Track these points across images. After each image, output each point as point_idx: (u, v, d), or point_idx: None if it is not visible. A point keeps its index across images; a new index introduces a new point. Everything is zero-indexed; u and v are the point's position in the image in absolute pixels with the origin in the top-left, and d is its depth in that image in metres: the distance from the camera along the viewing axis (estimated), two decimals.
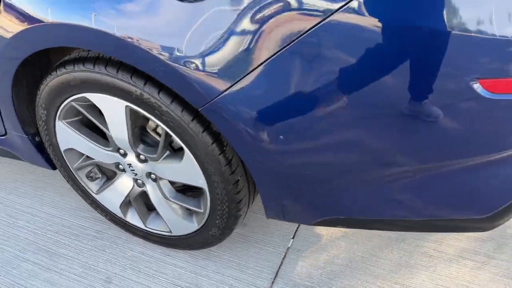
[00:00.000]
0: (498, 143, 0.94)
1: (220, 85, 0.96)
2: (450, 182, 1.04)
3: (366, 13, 0.81)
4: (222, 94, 0.97)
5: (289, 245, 1.54)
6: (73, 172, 1.48)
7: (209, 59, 0.94)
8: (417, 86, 0.86)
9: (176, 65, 0.96)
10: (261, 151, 1.04)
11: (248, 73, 0.93)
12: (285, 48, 0.88)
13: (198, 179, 1.21)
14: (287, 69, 0.90)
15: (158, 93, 1.07)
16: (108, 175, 1.51)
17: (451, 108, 0.87)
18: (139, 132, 1.25)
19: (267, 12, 0.86)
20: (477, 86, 0.83)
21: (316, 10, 0.83)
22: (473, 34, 0.79)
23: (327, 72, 0.88)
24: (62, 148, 1.41)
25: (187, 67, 0.95)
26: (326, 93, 0.91)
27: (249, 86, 0.94)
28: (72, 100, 1.23)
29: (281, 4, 0.85)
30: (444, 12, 0.79)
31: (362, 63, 0.86)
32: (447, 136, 0.92)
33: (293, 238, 1.56)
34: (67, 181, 1.54)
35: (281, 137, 1.01)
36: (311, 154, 1.02)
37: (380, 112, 0.91)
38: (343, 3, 0.81)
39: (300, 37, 0.86)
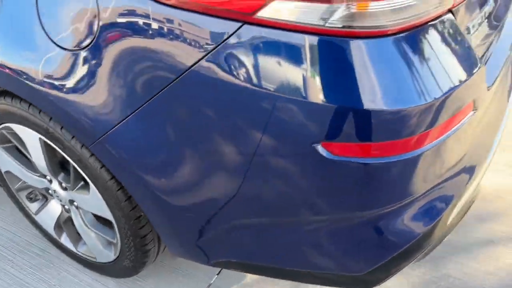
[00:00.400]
0: (358, 202, 0.94)
1: (102, 127, 1.02)
2: (327, 237, 1.04)
3: (223, 67, 0.85)
4: (106, 135, 1.03)
5: (211, 282, 1.56)
6: (14, 192, 1.57)
7: (92, 103, 1.01)
8: (263, 147, 0.89)
9: (66, 107, 1.03)
10: (145, 191, 1.09)
11: (125, 118, 0.99)
12: (156, 95, 0.94)
13: (105, 211, 1.27)
14: (161, 114, 0.96)
15: (61, 129, 1.15)
16: (47, 197, 1.60)
17: (301, 168, 0.90)
18: (59, 161, 1.33)
19: (139, 57, 0.92)
20: (319, 148, 0.85)
21: (182, 59, 0.88)
22: (311, 101, 0.81)
23: (196, 117, 0.93)
24: (2, 170, 1.51)
25: (75, 109, 1.03)
26: (196, 138, 0.96)
27: (126, 129, 1.00)
28: (1, 129, 1.33)
29: (153, 52, 0.90)
30: (290, 80, 0.82)
31: (220, 114, 0.90)
32: (304, 193, 0.94)
33: (218, 274, 1.58)
34: (10, 199, 1.64)
35: (163, 179, 1.06)
36: (189, 197, 1.06)
37: (238, 164, 0.94)
38: (202, 55, 0.86)
39: (169, 85, 0.91)
